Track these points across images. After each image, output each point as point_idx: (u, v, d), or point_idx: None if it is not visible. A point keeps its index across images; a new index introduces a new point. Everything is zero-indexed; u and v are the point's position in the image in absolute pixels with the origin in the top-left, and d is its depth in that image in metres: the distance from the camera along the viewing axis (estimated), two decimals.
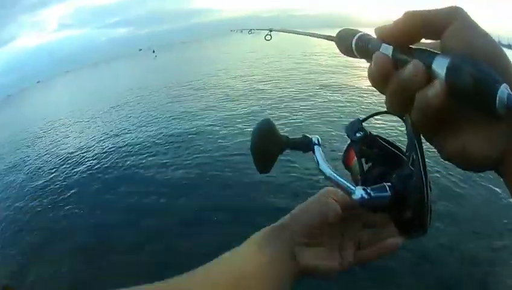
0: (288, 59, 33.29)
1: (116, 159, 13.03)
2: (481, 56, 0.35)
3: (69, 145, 17.09)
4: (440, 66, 0.36)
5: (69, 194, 10.93)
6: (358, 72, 20.81)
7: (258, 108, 16.45)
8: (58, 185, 11.94)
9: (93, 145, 15.67)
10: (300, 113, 14.61)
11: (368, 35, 0.51)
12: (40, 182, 12.78)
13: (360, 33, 0.52)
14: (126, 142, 14.84)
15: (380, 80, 0.43)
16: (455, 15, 0.39)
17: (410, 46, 0.43)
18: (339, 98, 16.55)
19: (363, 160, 0.65)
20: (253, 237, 0.77)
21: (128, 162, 12.36)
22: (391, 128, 9.31)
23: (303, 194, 7.43)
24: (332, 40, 0.64)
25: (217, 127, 14.15)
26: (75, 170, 13.08)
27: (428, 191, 0.50)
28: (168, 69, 45.50)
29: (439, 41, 0.40)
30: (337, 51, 0.60)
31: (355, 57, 0.53)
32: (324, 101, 16.21)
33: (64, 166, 13.91)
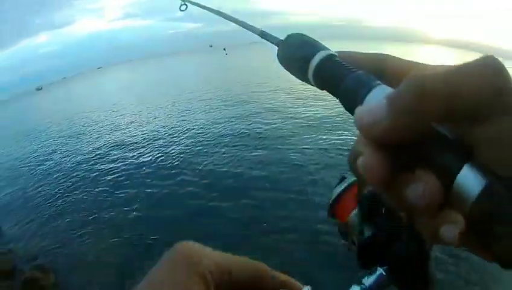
0: None
1: (171, 153, 12.95)
2: None
3: (124, 133, 17.37)
4: (468, 185, 0.24)
5: (118, 180, 11.05)
6: None
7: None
8: (106, 172, 12.00)
9: (149, 136, 15.78)
10: None
11: (336, 58, 0.37)
12: (87, 166, 13.00)
13: (325, 52, 0.38)
14: (183, 138, 14.83)
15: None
16: (501, 101, 0.24)
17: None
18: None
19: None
20: None
21: (183, 158, 12.22)
22: None
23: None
24: (273, 42, 0.47)
25: (283, 132, 13.80)
26: (127, 158, 13.18)
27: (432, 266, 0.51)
28: (239, 68, 46.36)
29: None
30: None
31: (308, 83, 0.40)
32: None
33: (116, 154, 14.04)
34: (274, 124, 15.29)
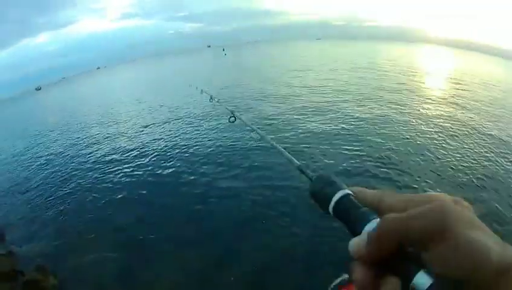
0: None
1: (170, 154, 12.86)
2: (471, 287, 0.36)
3: (120, 134, 17.31)
4: (420, 284, 0.38)
5: (117, 177, 11.17)
6: None
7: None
8: (106, 170, 12.10)
9: (145, 138, 15.66)
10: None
11: (350, 196, 0.53)
12: (86, 167, 12.92)
13: (342, 192, 0.53)
14: (181, 138, 14.69)
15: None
16: (444, 230, 0.38)
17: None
18: None
19: None
20: None
21: (182, 159, 12.12)
22: None
23: None
24: (308, 176, 0.70)
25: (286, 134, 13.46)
26: (125, 156, 13.26)
27: None
28: (238, 68, 46.82)
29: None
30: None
31: (328, 214, 0.55)
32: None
33: (115, 154, 13.89)
34: (275, 116, 15.62)
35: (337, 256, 5.82)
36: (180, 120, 17.71)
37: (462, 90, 23.44)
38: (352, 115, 15.08)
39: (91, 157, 13.89)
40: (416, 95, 20.00)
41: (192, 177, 10.50)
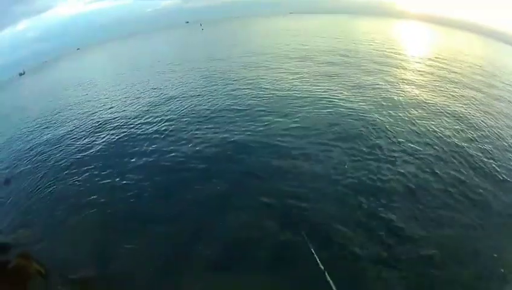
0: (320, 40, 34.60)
1: (154, 128, 13.03)
2: None
3: (106, 111, 17.16)
4: None
5: (100, 159, 11.05)
6: None
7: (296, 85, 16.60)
8: (91, 150, 12.05)
9: (131, 112, 15.76)
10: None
11: None
12: (73, 147, 12.86)
13: None
14: (166, 112, 14.84)
15: None
16: None
17: None
18: None
19: None
20: None
21: (165, 132, 12.39)
22: None
23: None
24: None
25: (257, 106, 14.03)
26: (108, 136, 13.14)
27: None
28: (214, 43, 46.45)
29: None
30: None
31: None
32: None
33: (99, 131, 13.98)
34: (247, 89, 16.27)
35: None
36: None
37: (433, 66, 23.10)
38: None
39: (74, 144, 13.33)
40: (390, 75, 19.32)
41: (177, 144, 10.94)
